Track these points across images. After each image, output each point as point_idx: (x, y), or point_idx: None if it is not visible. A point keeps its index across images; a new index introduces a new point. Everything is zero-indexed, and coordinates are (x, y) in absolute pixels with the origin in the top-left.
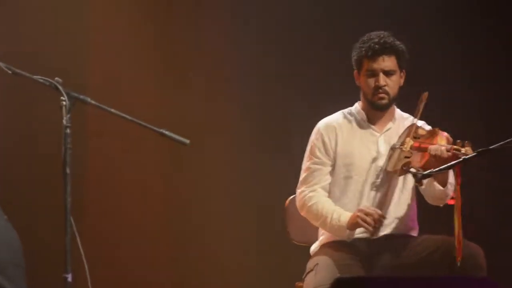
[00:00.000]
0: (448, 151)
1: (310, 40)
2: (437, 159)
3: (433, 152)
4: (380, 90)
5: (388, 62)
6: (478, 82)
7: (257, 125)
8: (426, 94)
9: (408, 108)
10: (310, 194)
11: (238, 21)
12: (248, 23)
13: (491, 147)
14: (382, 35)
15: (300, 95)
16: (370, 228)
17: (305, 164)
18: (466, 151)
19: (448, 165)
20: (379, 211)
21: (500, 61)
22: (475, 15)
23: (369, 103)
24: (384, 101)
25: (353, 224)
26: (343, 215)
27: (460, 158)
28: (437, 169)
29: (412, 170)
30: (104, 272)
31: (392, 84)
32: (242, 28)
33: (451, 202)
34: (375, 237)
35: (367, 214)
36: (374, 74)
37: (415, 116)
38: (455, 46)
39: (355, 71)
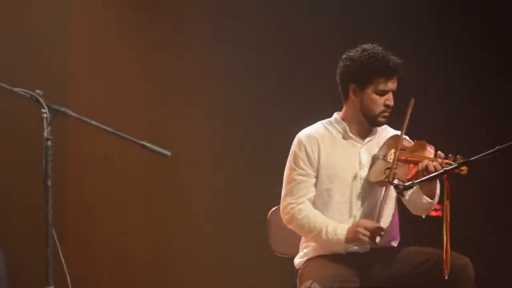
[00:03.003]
0: (440, 165)
1: (293, 54)
2: (429, 173)
3: (424, 167)
4: (388, 110)
5: (396, 83)
6: (479, 88)
7: (239, 136)
8: (412, 101)
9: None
10: (300, 206)
11: (222, 32)
12: (232, 34)
13: (471, 158)
14: (389, 54)
15: (281, 105)
16: (370, 242)
17: (289, 175)
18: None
19: (429, 177)
20: (377, 224)
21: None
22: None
23: (368, 119)
24: (386, 120)
25: (352, 239)
26: (339, 228)
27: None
28: (418, 180)
29: (395, 182)
30: (87, 284)
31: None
32: (226, 39)
33: (433, 213)
34: (373, 247)
35: (366, 228)
36: (385, 93)
37: (403, 124)
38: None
39: (352, 85)
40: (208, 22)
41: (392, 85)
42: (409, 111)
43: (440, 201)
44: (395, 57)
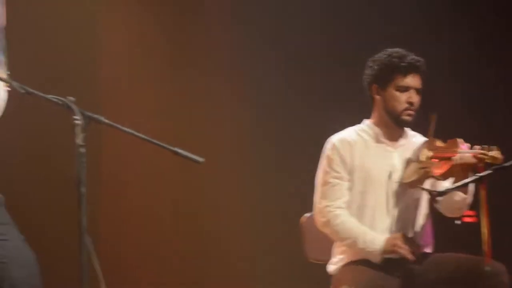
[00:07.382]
0: (474, 156)
1: (325, 57)
2: (463, 166)
3: (458, 160)
4: (412, 107)
5: (419, 80)
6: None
7: (271, 141)
8: (434, 116)
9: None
10: (337, 212)
11: (252, 34)
12: (261, 36)
13: (506, 164)
14: (410, 53)
15: (314, 109)
16: (409, 257)
17: (323, 178)
18: (494, 154)
19: (463, 182)
20: (416, 241)
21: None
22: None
23: (392, 119)
24: (411, 118)
25: (389, 251)
26: (377, 239)
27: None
28: (453, 186)
29: (426, 186)
30: None
31: (418, 103)
32: (256, 41)
33: (468, 220)
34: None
35: (405, 244)
36: (406, 90)
37: (428, 137)
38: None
39: (374, 86)
40: (237, 23)
41: (411, 81)
42: (432, 124)
43: (474, 207)
44: (415, 56)
